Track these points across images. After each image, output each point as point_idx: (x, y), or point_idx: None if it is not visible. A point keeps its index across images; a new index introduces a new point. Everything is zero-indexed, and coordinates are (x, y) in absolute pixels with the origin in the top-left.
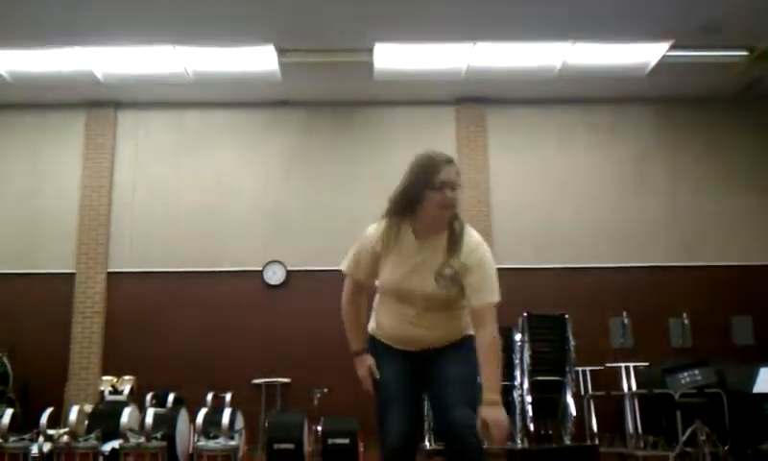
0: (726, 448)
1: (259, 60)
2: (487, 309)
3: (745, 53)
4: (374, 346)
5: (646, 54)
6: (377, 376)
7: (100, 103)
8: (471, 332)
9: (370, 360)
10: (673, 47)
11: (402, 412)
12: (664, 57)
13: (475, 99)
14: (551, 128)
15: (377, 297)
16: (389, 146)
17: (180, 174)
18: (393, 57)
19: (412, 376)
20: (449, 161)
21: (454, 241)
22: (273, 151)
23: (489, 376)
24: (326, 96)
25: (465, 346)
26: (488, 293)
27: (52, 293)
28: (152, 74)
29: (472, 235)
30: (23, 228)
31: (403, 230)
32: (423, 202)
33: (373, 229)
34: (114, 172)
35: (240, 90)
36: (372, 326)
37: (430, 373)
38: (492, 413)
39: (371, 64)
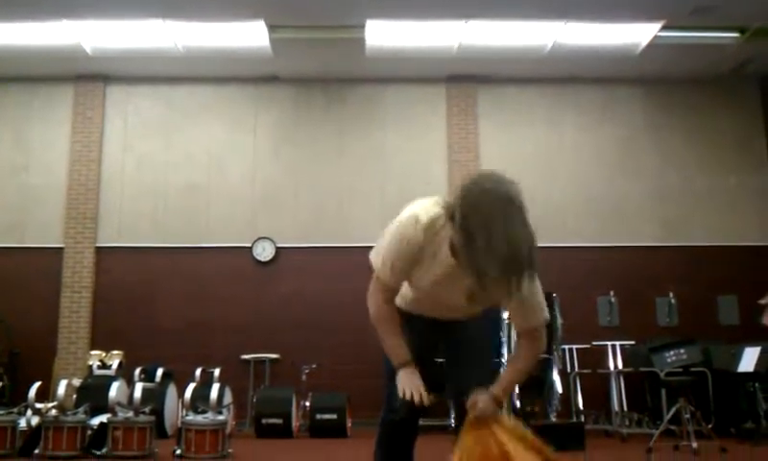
0: (710, 426)
1: (250, 35)
2: (537, 330)
3: (736, 34)
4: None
5: (637, 34)
6: (426, 402)
7: (88, 77)
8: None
9: (417, 377)
10: (664, 28)
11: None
12: (656, 37)
13: (466, 77)
14: (541, 107)
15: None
16: (379, 124)
17: (169, 149)
18: (384, 34)
19: (429, 349)
20: None
21: None
22: (263, 127)
23: (508, 379)
24: (317, 73)
25: (494, 317)
26: (537, 317)
27: (40, 267)
28: (141, 48)
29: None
30: (11, 202)
31: (444, 235)
32: None
33: (415, 226)
34: (103, 147)
35: (230, 66)
36: (396, 300)
37: (450, 337)
38: (484, 402)
39: (362, 41)
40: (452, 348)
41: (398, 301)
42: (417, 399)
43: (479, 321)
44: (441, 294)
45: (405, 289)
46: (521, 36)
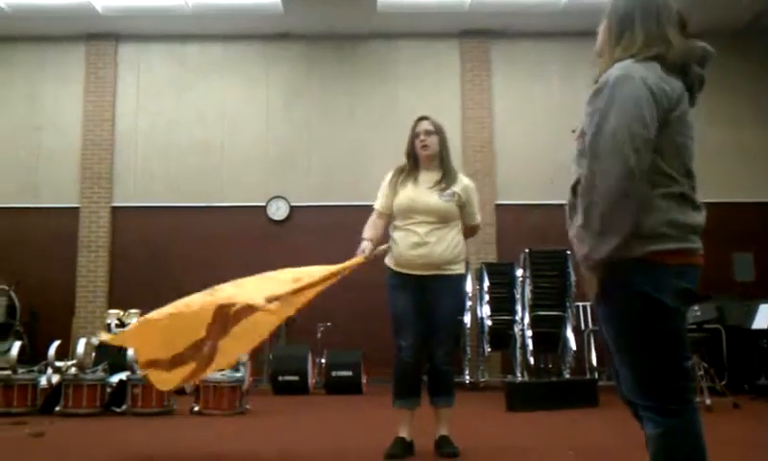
0: (723, 382)
1: None
2: (477, 226)
3: None
4: (391, 278)
5: None
6: (365, 255)
7: (100, 35)
8: (463, 271)
9: (365, 245)
10: None
11: (412, 333)
12: None
13: (479, 32)
14: (555, 62)
15: (392, 231)
16: (392, 80)
17: (181, 108)
18: None
19: (419, 304)
20: (422, 118)
21: (448, 172)
22: (274, 85)
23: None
24: (329, 29)
25: (457, 287)
26: (477, 216)
27: (57, 227)
28: (151, 6)
29: (462, 175)
30: (26, 163)
31: (409, 173)
32: (415, 148)
33: (390, 173)
34: (116, 106)
35: (241, 23)
36: (387, 259)
37: (430, 306)
38: None
39: None
40: (431, 311)
41: (391, 260)
42: (367, 254)
43: (451, 294)
44: (419, 198)
45: (394, 244)
46: None
